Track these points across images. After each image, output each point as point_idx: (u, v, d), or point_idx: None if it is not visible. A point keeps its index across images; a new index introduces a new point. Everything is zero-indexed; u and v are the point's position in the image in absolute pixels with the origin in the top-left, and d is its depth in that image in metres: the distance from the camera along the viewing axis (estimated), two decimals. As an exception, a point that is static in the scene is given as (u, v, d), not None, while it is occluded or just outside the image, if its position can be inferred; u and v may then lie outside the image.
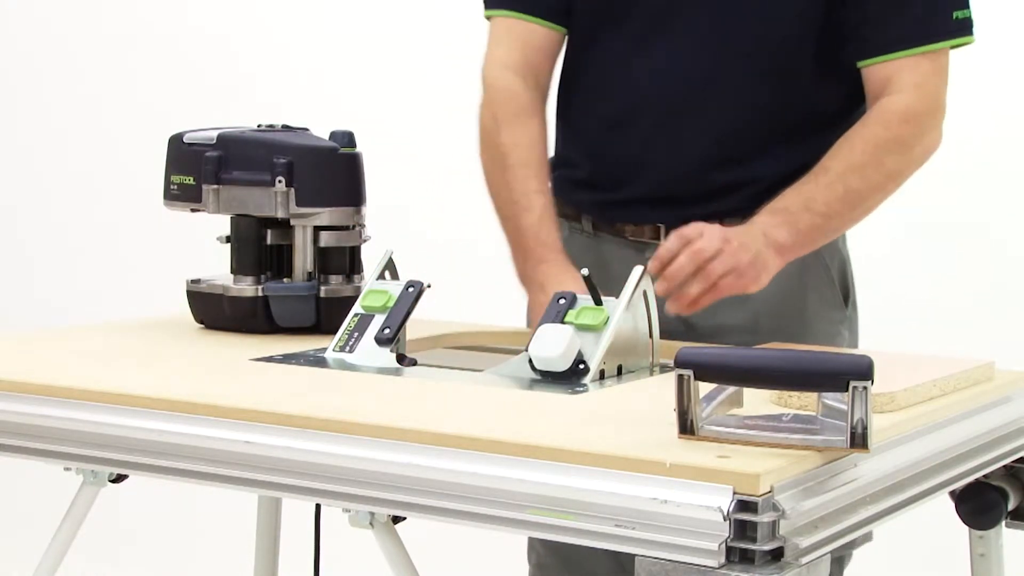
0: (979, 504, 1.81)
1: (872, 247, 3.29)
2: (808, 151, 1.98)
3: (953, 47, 1.98)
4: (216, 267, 2.12)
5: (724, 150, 2.01)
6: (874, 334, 2.30)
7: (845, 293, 2.11)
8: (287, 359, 1.81)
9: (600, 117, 2.07)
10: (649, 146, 2.03)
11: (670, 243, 1.79)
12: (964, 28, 1.96)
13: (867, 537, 2.05)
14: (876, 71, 1.96)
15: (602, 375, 1.71)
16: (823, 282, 2.07)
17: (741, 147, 2.01)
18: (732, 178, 2.00)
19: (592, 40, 2.07)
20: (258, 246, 2.03)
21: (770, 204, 1.90)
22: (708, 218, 2.00)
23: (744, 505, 1.25)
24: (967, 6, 1.96)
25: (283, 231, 2.03)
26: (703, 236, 1.80)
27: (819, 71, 1.99)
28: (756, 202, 1.97)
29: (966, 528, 1.86)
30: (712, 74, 2.00)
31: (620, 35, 2.04)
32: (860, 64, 1.97)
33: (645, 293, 1.79)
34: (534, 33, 2.09)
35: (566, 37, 2.11)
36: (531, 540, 2.20)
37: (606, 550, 1.32)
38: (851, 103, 2.01)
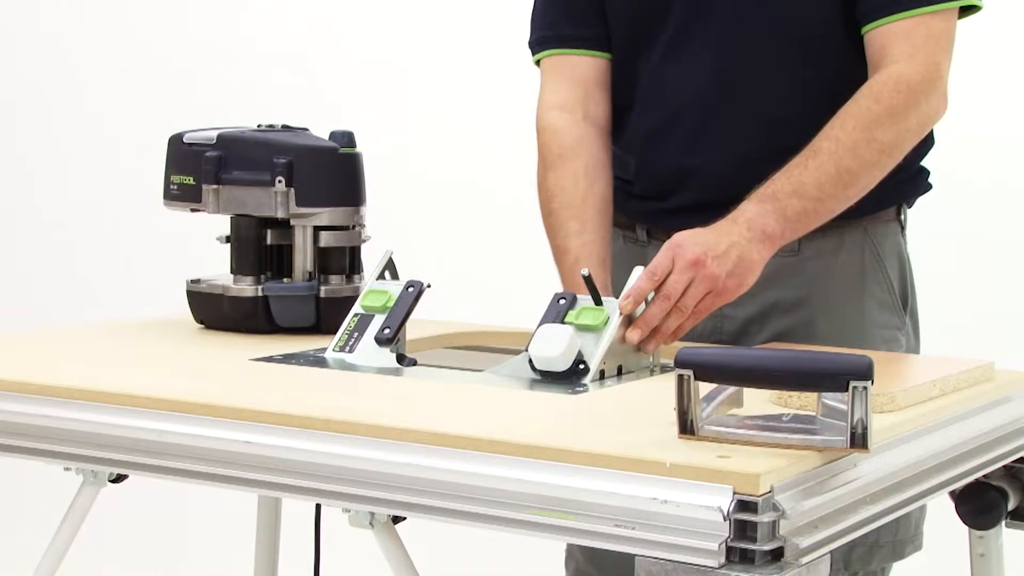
0: (979, 504, 1.81)
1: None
2: None
3: (960, 14, 1.93)
4: (216, 267, 2.12)
5: (765, 143, 1.97)
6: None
7: (904, 299, 2.06)
8: (287, 359, 1.81)
9: (641, 131, 2.06)
10: (690, 153, 2.01)
11: (641, 282, 1.74)
12: None
13: (916, 545, 2.03)
14: (873, 38, 1.92)
15: (602, 375, 1.71)
16: (881, 287, 2.03)
17: (783, 137, 1.94)
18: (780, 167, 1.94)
19: (628, 59, 2.07)
20: (258, 246, 2.03)
21: (758, 191, 1.84)
22: None
23: (744, 505, 1.25)
24: None
25: (283, 231, 2.03)
26: (672, 270, 1.74)
27: (852, 46, 1.95)
28: None
29: (966, 528, 1.86)
30: (740, 72, 1.97)
31: (652, 49, 2.02)
32: (862, 31, 1.93)
33: (645, 293, 1.79)
34: (577, 65, 2.09)
35: (611, 61, 2.11)
36: (569, 548, 2.18)
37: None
38: None
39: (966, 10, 1.95)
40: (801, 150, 1.88)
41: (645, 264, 1.80)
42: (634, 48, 2.05)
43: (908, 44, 1.89)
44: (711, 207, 1.92)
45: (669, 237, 2.00)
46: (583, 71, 2.09)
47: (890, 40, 1.90)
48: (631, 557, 1.31)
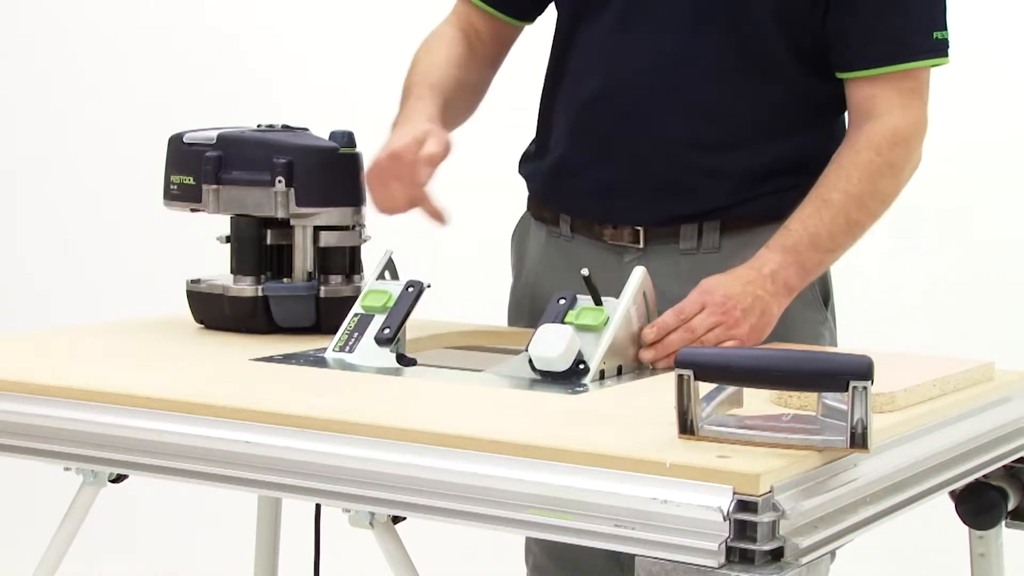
0: (979, 504, 1.81)
1: (870, 248, 3.30)
2: (792, 146, 1.99)
3: (931, 67, 1.98)
4: (216, 267, 2.12)
5: (697, 133, 2.00)
6: (873, 335, 2.30)
7: (825, 295, 2.10)
8: (287, 359, 1.81)
9: (580, 98, 2.07)
10: (623, 126, 2.02)
11: (668, 319, 1.80)
12: (942, 49, 1.96)
13: None
14: (859, 88, 1.96)
15: (602, 375, 1.71)
16: None
17: (716, 132, 2.00)
18: (708, 164, 1.99)
19: (576, 27, 2.08)
20: (258, 246, 2.03)
21: (779, 241, 1.90)
22: (687, 219, 2.00)
23: (744, 505, 1.25)
24: (945, 27, 1.96)
25: (283, 231, 2.03)
26: (700, 311, 1.82)
27: (802, 66, 1.98)
28: (733, 199, 1.99)
29: (966, 528, 1.86)
30: (687, 57, 1.99)
31: (602, 19, 2.04)
32: (841, 75, 1.97)
33: (645, 294, 1.79)
34: (473, 13, 2.17)
35: (516, 29, 2.17)
36: (528, 542, 2.21)
37: (603, 551, 1.31)
38: (839, 104, 2.00)
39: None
40: (728, 150, 1.98)
41: (574, 262, 1.90)
42: (580, 15, 2.07)
43: (899, 95, 1.94)
44: (629, 188, 2.01)
45: (594, 233, 2.03)
46: (474, 22, 2.16)
47: (880, 89, 1.94)
48: (590, 549, 1.32)
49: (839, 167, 1.93)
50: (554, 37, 2.14)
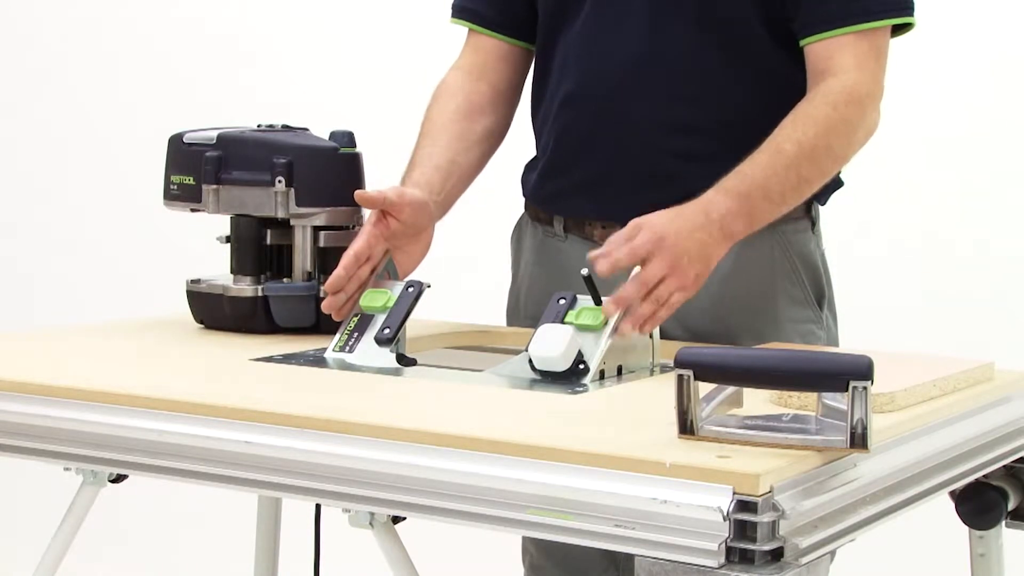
0: (979, 504, 1.81)
1: (871, 248, 3.30)
2: (768, 126, 1.96)
3: (895, 29, 1.97)
4: (216, 267, 2.12)
5: (671, 117, 2.00)
6: (872, 335, 2.30)
7: (819, 294, 2.09)
8: (287, 359, 1.81)
9: (559, 99, 2.08)
10: (601, 118, 2.03)
11: (615, 239, 1.74)
12: (903, 7, 1.96)
13: None
14: (816, 49, 1.95)
15: (602, 375, 1.71)
16: (792, 282, 2.06)
17: (689, 114, 2.00)
18: (684, 147, 1.99)
19: (553, 32, 2.09)
20: (258, 246, 2.03)
21: (734, 185, 1.83)
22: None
23: (744, 505, 1.25)
24: None
25: (283, 231, 2.03)
26: (649, 259, 1.73)
27: (774, 45, 1.99)
28: (711, 183, 1.95)
29: (966, 528, 1.87)
30: (659, 45, 1.99)
31: (576, 20, 2.05)
32: (802, 43, 1.97)
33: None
34: (485, 41, 2.18)
35: (523, 49, 2.17)
36: (524, 542, 2.21)
37: (599, 549, 1.31)
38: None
39: (899, 29, 1.99)
40: (705, 135, 1.97)
41: (566, 262, 1.91)
42: (557, 19, 2.08)
43: (855, 55, 1.93)
44: (611, 181, 2.01)
45: (585, 233, 2.03)
46: (488, 46, 2.17)
47: (837, 50, 1.93)
48: (585, 549, 1.32)
49: (797, 119, 1.90)
50: (536, 45, 2.14)
